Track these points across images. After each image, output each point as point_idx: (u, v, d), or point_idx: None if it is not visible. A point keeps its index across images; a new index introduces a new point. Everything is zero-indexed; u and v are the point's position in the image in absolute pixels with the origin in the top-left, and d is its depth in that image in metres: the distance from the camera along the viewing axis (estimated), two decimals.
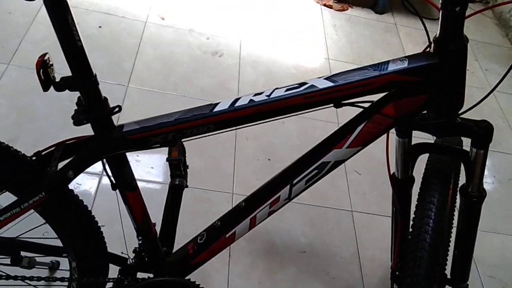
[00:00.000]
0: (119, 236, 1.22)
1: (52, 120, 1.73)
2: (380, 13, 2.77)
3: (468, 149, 0.96)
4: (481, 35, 2.85)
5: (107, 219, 1.42)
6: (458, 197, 1.03)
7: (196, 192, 1.67)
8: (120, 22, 2.23)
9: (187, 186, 1.16)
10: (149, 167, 1.70)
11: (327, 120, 2.01)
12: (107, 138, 0.81)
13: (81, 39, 0.70)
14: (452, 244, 1.14)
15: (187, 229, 1.52)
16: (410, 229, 1.04)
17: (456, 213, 1.10)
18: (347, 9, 2.73)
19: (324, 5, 2.71)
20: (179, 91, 2.00)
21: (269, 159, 1.85)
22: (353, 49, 2.49)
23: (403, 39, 2.62)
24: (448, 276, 1.16)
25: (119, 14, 2.27)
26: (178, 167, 1.12)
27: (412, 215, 1.05)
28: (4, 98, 1.77)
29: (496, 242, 1.79)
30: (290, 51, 2.37)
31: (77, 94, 0.78)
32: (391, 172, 1.06)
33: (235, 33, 2.37)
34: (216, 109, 0.83)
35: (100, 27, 2.17)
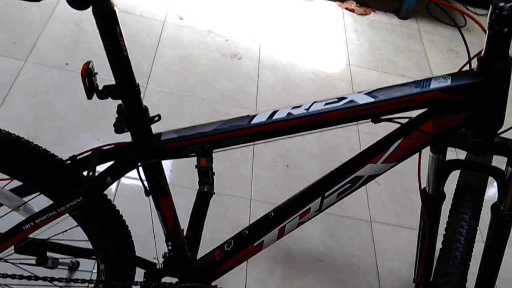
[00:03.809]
0: (138, 238, 1.23)
1: (70, 120, 1.73)
2: (404, 18, 2.74)
3: (497, 165, 0.95)
4: None
5: (127, 221, 1.42)
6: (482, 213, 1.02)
7: (214, 197, 1.66)
8: (138, 22, 2.22)
9: (214, 193, 1.16)
10: (167, 170, 1.70)
11: (346, 127, 2.00)
12: (146, 146, 0.81)
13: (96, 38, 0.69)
14: (473, 259, 1.13)
15: (204, 233, 1.52)
16: (441, 245, 1.03)
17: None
18: (370, 14, 2.72)
19: (346, 8, 2.69)
20: (198, 94, 2.00)
21: (287, 166, 1.84)
22: (375, 55, 2.48)
23: (426, 46, 2.60)
24: None
25: (137, 13, 2.26)
26: (206, 174, 1.12)
27: (441, 231, 1.05)
28: (22, 96, 1.76)
29: None
30: (310, 56, 2.36)
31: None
32: (422, 187, 1.05)
33: (254, 35, 2.37)
34: (253, 121, 0.82)
35: None
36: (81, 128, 1.71)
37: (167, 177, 1.76)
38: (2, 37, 1.93)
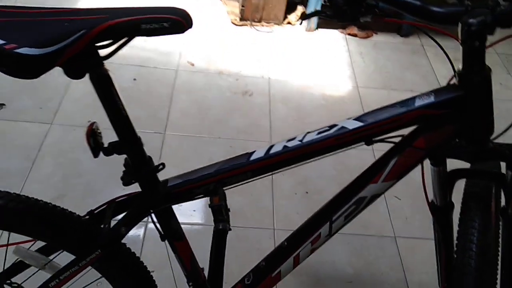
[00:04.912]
0: (169, 280, 1.27)
1: (97, 174, 1.82)
2: (406, 36, 2.79)
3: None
4: (510, 48, 2.82)
5: (157, 264, 1.46)
6: None
7: (239, 231, 1.71)
8: (153, 73, 2.34)
9: (230, 229, 1.20)
10: (191, 210, 1.76)
11: (361, 148, 2.02)
12: (154, 194, 0.86)
13: (118, 92, 0.76)
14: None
15: (233, 268, 1.55)
16: (454, 255, 1.04)
17: None
18: (372, 36, 2.77)
19: (349, 34, 2.75)
20: (214, 134, 2.07)
21: (306, 192, 1.87)
22: (381, 74, 2.52)
23: (431, 59, 2.63)
24: None
25: (151, 65, 2.38)
26: (220, 212, 1.16)
27: (455, 240, 1.06)
28: (50, 157, 1.86)
29: None
30: (319, 83, 2.41)
31: None
32: (430, 200, 1.07)
33: (262, 71, 2.45)
34: (252, 158, 0.87)
35: (134, 79, 2.28)
36: (107, 180, 1.79)
37: (192, 217, 1.81)
38: (28, 104, 2.07)
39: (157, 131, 2.04)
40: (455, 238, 1.07)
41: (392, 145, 0.92)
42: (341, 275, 1.63)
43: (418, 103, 0.83)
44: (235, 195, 1.80)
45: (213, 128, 2.10)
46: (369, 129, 0.85)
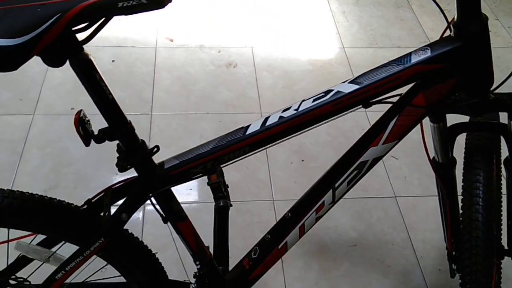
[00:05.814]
0: (174, 260, 1.26)
1: (87, 160, 1.78)
2: None
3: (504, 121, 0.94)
4: None
5: (159, 245, 1.45)
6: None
7: (238, 205, 1.69)
8: (132, 53, 2.27)
9: (231, 205, 1.18)
10: (187, 189, 1.73)
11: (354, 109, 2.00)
12: (151, 177, 0.83)
13: None
14: (504, 215, 1.13)
15: (237, 242, 1.54)
16: (461, 210, 1.03)
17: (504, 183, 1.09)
18: None
19: None
20: (202, 109, 2.03)
21: (302, 160, 1.86)
22: (367, 32, 2.48)
23: (417, 12, 2.58)
24: (506, 247, 1.15)
25: (129, 44, 2.31)
26: (219, 189, 1.15)
27: (459, 196, 1.05)
28: (37, 148, 1.82)
29: None
30: (303, 48, 2.37)
31: None
32: (431, 157, 1.06)
33: (245, 40, 2.39)
34: (248, 132, 0.84)
35: (113, 61, 2.21)
36: (98, 166, 1.75)
37: (190, 196, 1.79)
38: (7, 96, 2.00)
39: (143, 112, 1.99)
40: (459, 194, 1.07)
41: (390, 106, 0.89)
42: (345, 239, 1.63)
43: (415, 59, 0.81)
44: (231, 170, 1.78)
45: (200, 104, 2.05)
46: (366, 91, 0.82)
